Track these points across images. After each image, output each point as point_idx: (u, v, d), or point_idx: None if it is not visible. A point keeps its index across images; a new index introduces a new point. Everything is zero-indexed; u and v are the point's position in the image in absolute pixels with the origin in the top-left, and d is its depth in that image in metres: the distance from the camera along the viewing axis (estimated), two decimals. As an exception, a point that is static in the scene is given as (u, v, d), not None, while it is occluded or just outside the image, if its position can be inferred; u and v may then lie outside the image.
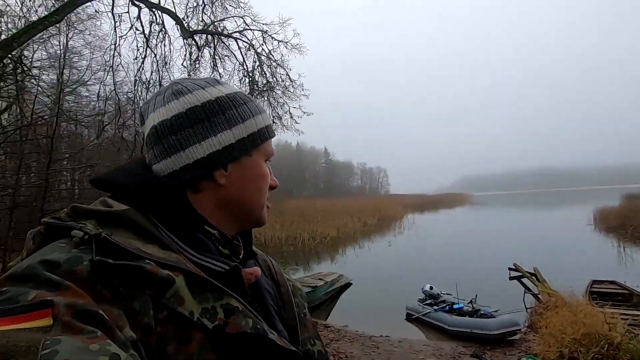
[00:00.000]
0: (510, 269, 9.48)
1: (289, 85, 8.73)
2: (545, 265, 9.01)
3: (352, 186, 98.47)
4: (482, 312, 5.92)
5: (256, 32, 8.56)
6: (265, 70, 8.68)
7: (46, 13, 6.27)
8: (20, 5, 6.63)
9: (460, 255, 13.28)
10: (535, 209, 45.24)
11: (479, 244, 15.85)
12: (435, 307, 6.47)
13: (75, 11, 7.42)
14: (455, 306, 6.32)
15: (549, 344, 4.55)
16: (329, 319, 7.22)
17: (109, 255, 0.42)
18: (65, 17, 7.82)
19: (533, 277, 8.35)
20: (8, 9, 6.73)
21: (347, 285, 9.41)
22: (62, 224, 0.46)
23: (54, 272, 0.39)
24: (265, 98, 8.71)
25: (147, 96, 7.91)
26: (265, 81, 8.59)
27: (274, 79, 8.74)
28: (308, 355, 0.63)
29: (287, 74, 8.77)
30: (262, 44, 8.63)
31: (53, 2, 6.48)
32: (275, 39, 8.64)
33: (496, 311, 5.97)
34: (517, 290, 8.01)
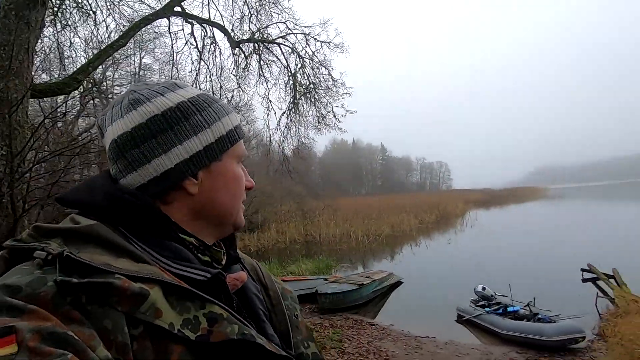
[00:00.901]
0: (583, 270, 8.51)
1: (332, 84, 8.82)
2: (627, 267, 7.94)
3: (411, 182, 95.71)
4: (540, 316, 5.43)
5: (299, 36, 8.81)
6: (307, 71, 8.87)
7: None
8: (95, 33, 7.64)
9: (526, 255, 12.22)
10: (619, 201, 39.62)
11: (548, 242, 14.42)
12: (488, 309, 6.09)
13: (144, 32, 8.34)
14: (509, 309, 5.88)
15: (618, 355, 4.06)
16: (377, 318, 7.18)
17: (75, 273, 0.41)
18: (135, 39, 8.84)
19: (610, 280, 7.41)
20: (91, 36, 7.77)
21: (398, 283, 9.24)
22: (24, 246, 0.45)
23: (16, 297, 0.38)
24: (309, 99, 8.92)
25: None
26: (307, 83, 8.78)
27: (317, 79, 8.90)
28: (301, 358, 0.61)
29: (330, 74, 8.88)
30: (306, 47, 8.85)
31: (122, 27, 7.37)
32: (318, 40, 8.80)
33: (557, 316, 5.42)
34: (590, 294, 7.18)
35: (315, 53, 8.91)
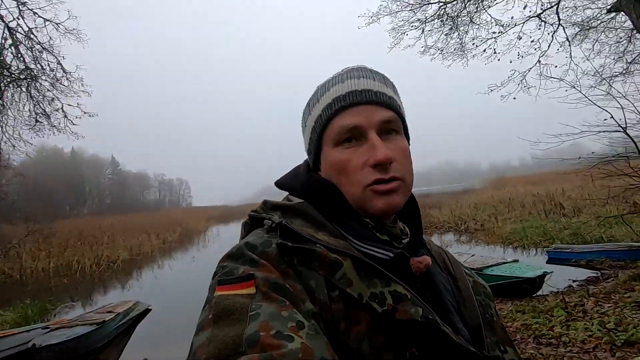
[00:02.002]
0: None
1: (62, 77, 7.02)
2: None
3: (148, 200, 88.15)
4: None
5: (7, 1, 6.48)
6: (22, 52, 6.66)
7: None
8: None
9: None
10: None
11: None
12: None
13: None
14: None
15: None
16: (124, 355, 6.16)
17: (289, 239, 0.51)
18: None
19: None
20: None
21: (146, 312, 8.29)
22: (258, 216, 0.58)
23: (254, 252, 0.49)
24: (24, 89, 6.66)
25: None
26: (23, 66, 6.57)
27: (38, 65, 6.83)
28: None
29: (60, 63, 7.04)
30: (18, 18, 6.60)
31: None
32: (40, 16, 6.79)
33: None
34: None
35: (34, 31, 6.84)
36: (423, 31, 8.36)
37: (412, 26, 8.30)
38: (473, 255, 8.58)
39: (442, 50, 8.62)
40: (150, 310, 8.43)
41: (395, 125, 0.57)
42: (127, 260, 16.46)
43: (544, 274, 6.50)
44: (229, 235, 27.79)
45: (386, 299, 0.48)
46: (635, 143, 4.36)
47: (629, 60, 8.12)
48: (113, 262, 15.24)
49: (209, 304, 0.45)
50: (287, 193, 0.65)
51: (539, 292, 6.44)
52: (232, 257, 0.50)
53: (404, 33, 8.36)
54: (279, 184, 0.67)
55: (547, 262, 8.76)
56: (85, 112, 7.29)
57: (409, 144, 0.60)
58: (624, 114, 4.34)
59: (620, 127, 4.36)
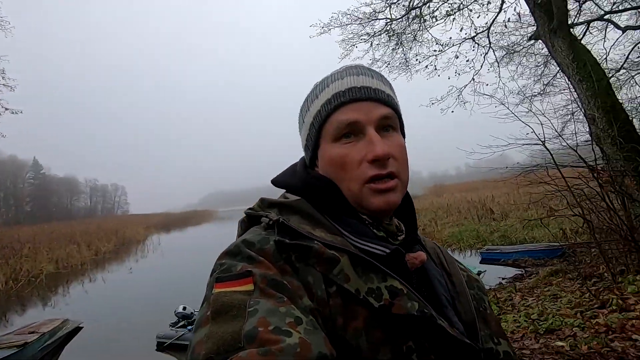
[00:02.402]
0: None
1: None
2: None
3: (78, 207, 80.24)
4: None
5: None
6: None
7: None
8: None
9: (209, 268, 13.51)
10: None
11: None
12: (190, 327, 6.30)
13: None
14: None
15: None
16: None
17: (287, 236, 0.51)
18: None
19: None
20: None
21: (77, 330, 7.54)
22: (255, 213, 0.59)
23: (251, 250, 0.50)
24: None
25: None
26: None
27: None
28: (490, 355, 0.56)
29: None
30: None
31: None
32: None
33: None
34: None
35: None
36: (371, 44, 8.77)
37: (361, 39, 8.67)
38: (416, 258, 9.07)
39: (389, 63, 9.11)
40: (82, 328, 7.68)
41: (392, 122, 0.58)
42: (53, 274, 14.81)
43: (479, 273, 7.09)
44: (171, 244, 26.26)
45: (383, 294, 0.48)
46: (552, 155, 4.98)
47: (545, 82, 9.29)
48: (35, 276, 13.61)
49: (207, 301, 0.46)
50: (283, 191, 0.65)
51: (475, 290, 6.99)
52: (230, 254, 0.51)
53: (354, 45, 8.71)
54: (275, 182, 0.67)
55: (481, 262, 9.56)
56: (6, 109, 6.53)
57: (405, 141, 0.61)
58: (542, 129, 4.95)
59: (540, 140, 4.96)
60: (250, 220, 0.60)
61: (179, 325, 6.56)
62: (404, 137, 0.62)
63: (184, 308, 6.80)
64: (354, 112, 0.55)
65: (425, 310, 0.48)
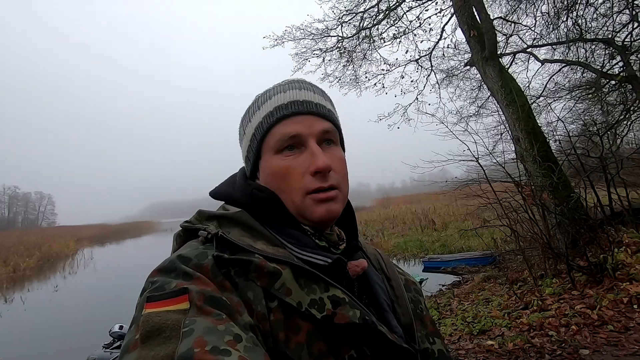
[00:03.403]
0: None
1: None
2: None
3: (-9, 218, 70.99)
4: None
5: None
6: None
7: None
8: None
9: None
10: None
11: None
12: (126, 348, 5.81)
13: None
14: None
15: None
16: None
17: (226, 250, 0.50)
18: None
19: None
20: None
21: (-13, 359, 6.61)
22: (192, 227, 0.57)
23: (188, 265, 0.47)
24: None
25: None
26: None
27: None
28: (426, 355, 0.58)
29: None
30: None
31: None
32: None
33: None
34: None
35: None
36: (324, 60, 9.06)
37: (313, 54, 8.91)
38: (364, 268, 9.34)
39: (340, 79, 9.46)
40: (-5, 356, 6.74)
41: (333, 136, 0.59)
42: (-43, 296, 12.84)
43: (421, 281, 7.50)
44: (106, 258, 24.12)
45: (325, 304, 0.48)
46: (484, 171, 5.51)
47: (479, 105, 10.25)
48: None
49: (136, 323, 0.42)
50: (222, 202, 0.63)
51: (418, 297, 7.37)
52: (163, 271, 0.47)
53: (307, 59, 8.92)
54: (214, 194, 0.64)
55: (423, 271, 10.09)
56: None
57: (345, 155, 0.63)
58: (476, 147, 5.46)
59: (474, 157, 5.47)
60: (187, 233, 0.58)
61: (113, 346, 6.02)
62: (344, 150, 0.64)
63: (120, 327, 6.25)
64: (296, 125, 0.56)
65: (367, 318, 0.49)
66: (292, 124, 0.56)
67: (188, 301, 0.43)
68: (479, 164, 5.48)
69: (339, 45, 8.91)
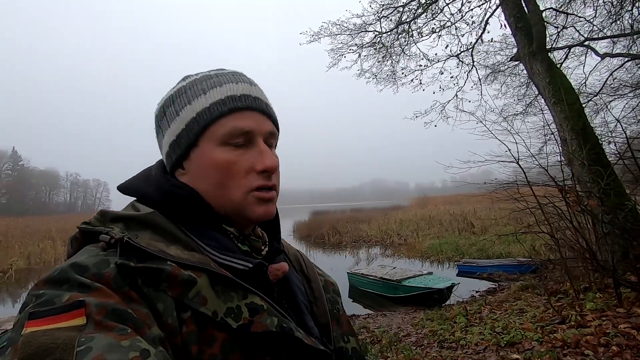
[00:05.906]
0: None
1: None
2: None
3: (56, 202, 78.25)
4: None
5: None
6: None
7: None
8: None
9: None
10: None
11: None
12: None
13: None
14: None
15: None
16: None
17: (133, 257, 0.44)
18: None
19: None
20: None
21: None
22: (92, 229, 0.48)
23: (84, 275, 0.41)
24: None
25: None
26: None
27: None
28: (340, 353, 0.60)
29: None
30: None
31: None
32: None
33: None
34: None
35: None
36: (360, 55, 8.93)
37: (350, 50, 8.81)
38: (394, 268, 9.18)
39: (376, 75, 9.27)
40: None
41: (274, 140, 0.59)
42: (25, 269, 14.36)
43: (452, 285, 7.21)
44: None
45: (242, 312, 0.46)
46: (524, 173, 5.15)
47: (527, 103, 9.60)
48: (4, 271, 13.16)
49: (14, 345, 0.35)
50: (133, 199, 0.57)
51: (447, 302, 7.12)
52: (52, 282, 0.40)
53: (342, 55, 8.84)
54: (123, 188, 0.57)
55: (457, 275, 9.71)
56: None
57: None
58: (517, 148, 5.12)
59: (515, 158, 5.13)
60: (85, 237, 0.49)
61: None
62: None
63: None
64: (248, 120, 0.54)
65: (284, 325, 0.48)
66: (244, 119, 0.53)
67: (84, 316, 0.37)
68: (519, 165, 5.14)
69: (376, 41, 8.74)
